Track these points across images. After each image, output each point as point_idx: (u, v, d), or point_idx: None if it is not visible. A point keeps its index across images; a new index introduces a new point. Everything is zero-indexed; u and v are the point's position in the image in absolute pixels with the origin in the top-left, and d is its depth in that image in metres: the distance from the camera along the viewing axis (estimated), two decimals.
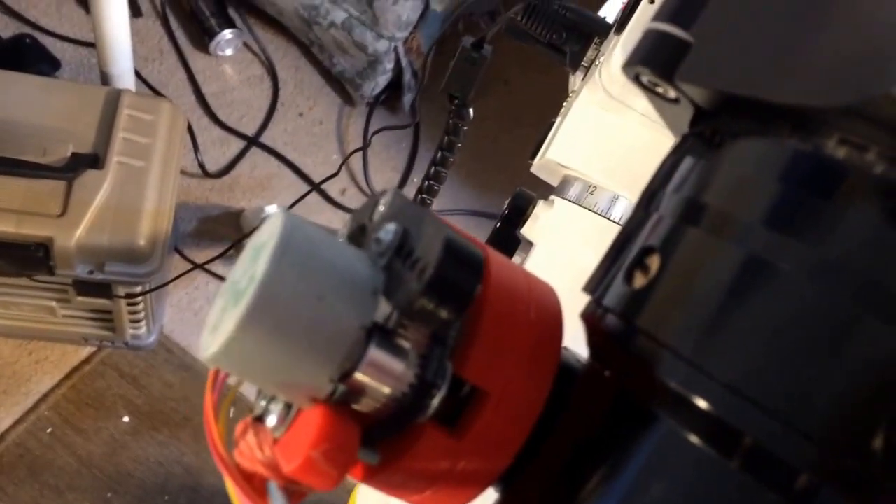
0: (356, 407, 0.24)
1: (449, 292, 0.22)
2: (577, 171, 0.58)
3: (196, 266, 1.36)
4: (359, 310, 0.23)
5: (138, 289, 1.18)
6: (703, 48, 0.23)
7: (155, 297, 1.24)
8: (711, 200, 0.22)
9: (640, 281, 0.23)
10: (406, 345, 0.23)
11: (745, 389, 0.20)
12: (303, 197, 1.44)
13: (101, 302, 1.21)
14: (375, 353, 0.23)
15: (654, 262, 0.23)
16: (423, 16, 1.46)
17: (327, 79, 1.59)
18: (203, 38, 1.54)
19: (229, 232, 1.44)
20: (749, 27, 0.22)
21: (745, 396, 0.19)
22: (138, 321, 1.26)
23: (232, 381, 0.25)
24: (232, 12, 1.57)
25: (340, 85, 1.58)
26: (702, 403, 0.20)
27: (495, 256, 0.26)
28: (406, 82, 1.52)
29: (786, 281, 0.20)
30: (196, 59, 1.56)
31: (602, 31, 0.66)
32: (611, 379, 0.24)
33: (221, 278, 1.42)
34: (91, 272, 1.13)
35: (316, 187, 1.48)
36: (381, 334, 0.23)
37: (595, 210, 0.56)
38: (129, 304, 1.21)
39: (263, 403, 0.26)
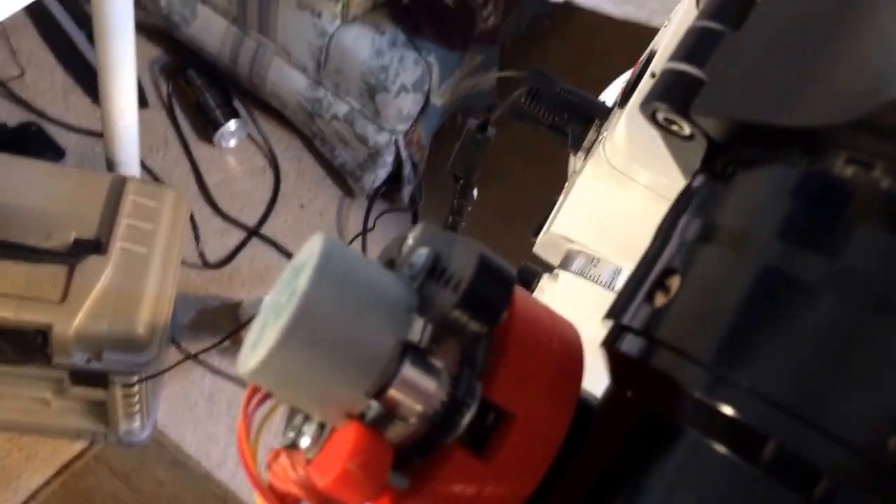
0: (387, 435, 0.24)
1: (483, 304, 0.23)
2: (580, 245, 0.59)
3: (189, 356, 1.35)
4: (395, 326, 0.23)
5: (135, 378, 1.17)
6: (717, 82, 0.24)
7: (150, 391, 1.23)
8: (728, 221, 0.23)
9: (660, 300, 0.23)
10: (438, 364, 0.24)
11: (769, 394, 0.20)
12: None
13: (96, 393, 1.19)
14: (409, 371, 0.23)
15: (674, 282, 0.23)
16: (423, 110, 1.50)
17: (328, 171, 1.62)
18: (207, 129, 1.57)
19: (227, 324, 1.43)
20: (759, 61, 0.24)
21: (770, 401, 0.20)
22: (133, 414, 1.24)
23: (264, 408, 0.26)
24: (237, 104, 1.61)
25: (341, 177, 1.61)
26: (727, 410, 0.21)
27: (519, 289, 0.27)
28: (406, 175, 1.56)
29: (805, 290, 0.20)
30: (200, 150, 1.59)
31: (602, 113, 0.69)
32: (633, 400, 0.25)
33: (218, 371, 1.42)
34: (89, 360, 1.12)
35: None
36: (415, 353, 0.23)
37: (598, 282, 0.57)
38: (124, 396, 1.19)
39: (292, 435, 0.26)
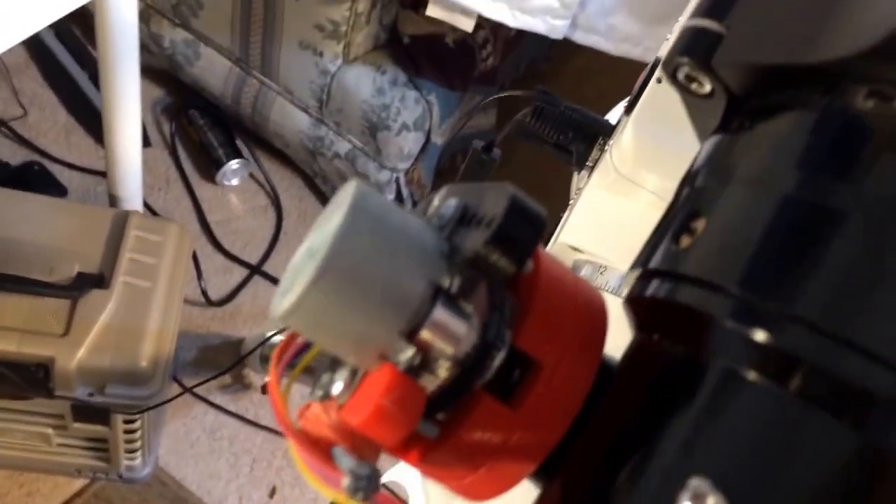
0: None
1: (514, 241, 0.23)
2: (588, 253, 0.59)
3: (187, 390, 1.34)
4: (426, 269, 0.24)
5: (137, 415, 1.16)
6: (737, 33, 0.25)
7: (151, 427, 1.22)
8: (750, 161, 0.24)
9: (686, 241, 0.24)
10: (468, 308, 0.24)
11: (801, 317, 0.20)
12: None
13: (97, 429, 1.18)
14: (441, 313, 0.24)
15: (699, 224, 0.24)
16: (424, 148, 1.52)
17: None
18: (210, 168, 1.58)
19: (229, 361, 1.43)
20: (778, 7, 0.25)
21: (803, 323, 0.20)
22: (134, 450, 1.23)
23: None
24: (239, 143, 1.62)
25: None
26: (759, 336, 0.21)
27: (543, 249, 0.27)
28: None
29: (832, 215, 0.21)
30: (202, 189, 1.60)
31: (606, 131, 0.70)
32: (658, 345, 0.25)
33: (218, 407, 1.41)
34: (91, 394, 1.11)
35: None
36: (446, 296, 0.24)
37: (606, 289, 0.57)
38: (126, 432, 1.18)
39: (320, 393, 0.26)
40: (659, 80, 0.55)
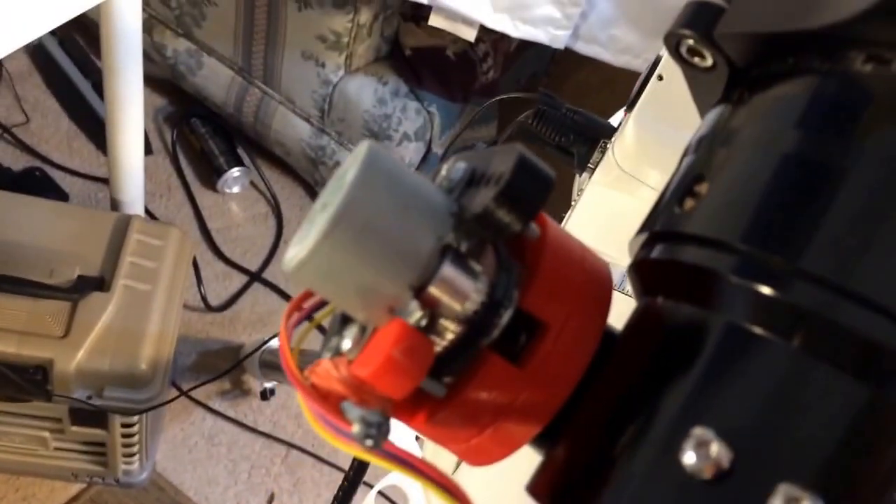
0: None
1: (521, 196, 0.24)
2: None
3: (183, 393, 1.34)
4: (436, 225, 0.24)
5: (135, 418, 1.16)
6: (738, 4, 0.26)
7: (149, 431, 1.22)
8: (754, 125, 0.24)
9: (690, 204, 0.25)
10: (477, 267, 0.25)
11: (806, 270, 0.21)
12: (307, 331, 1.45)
13: (95, 433, 1.18)
14: (449, 269, 0.24)
15: (703, 187, 0.25)
16: (424, 158, 1.53)
17: None
18: (211, 175, 1.59)
19: (229, 367, 1.43)
20: None
21: (808, 276, 0.21)
22: (132, 455, 1.23)
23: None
24: (241, 151, 1.63)
25: None
26: (765, 290, 0.22)
27: (549, 217, 0.28)
28: None
29: (833, 171, 0.22)
30: (203, 196, 1.60)
31: (607, 133, 0.71)
32: (662, 307, 0.26)
33: (217, 413, 1.41)
34: (90, 397, 1.11)
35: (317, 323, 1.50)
36: (455, 253, 0.24)
37: None
38: (123, 436, 1.18)
39: (328, 354, 0.26)
40: (660, 78, 0.56)
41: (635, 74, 1.26)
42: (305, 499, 1.38)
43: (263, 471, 1.38)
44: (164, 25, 1.56)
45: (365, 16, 1.37)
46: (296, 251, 0.24)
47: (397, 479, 0.77)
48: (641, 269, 0.27)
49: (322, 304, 0.28)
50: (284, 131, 1.55)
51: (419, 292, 0.24)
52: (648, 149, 0.54)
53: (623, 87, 1.23)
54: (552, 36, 1.28)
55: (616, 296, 0.61)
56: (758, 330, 0.22)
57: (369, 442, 0.23)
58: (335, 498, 0.78)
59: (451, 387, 0.25)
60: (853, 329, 0.20)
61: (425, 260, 0.24)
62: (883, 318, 0.20)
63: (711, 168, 0.25)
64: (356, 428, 0.23)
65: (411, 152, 1.49)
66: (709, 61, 0.28)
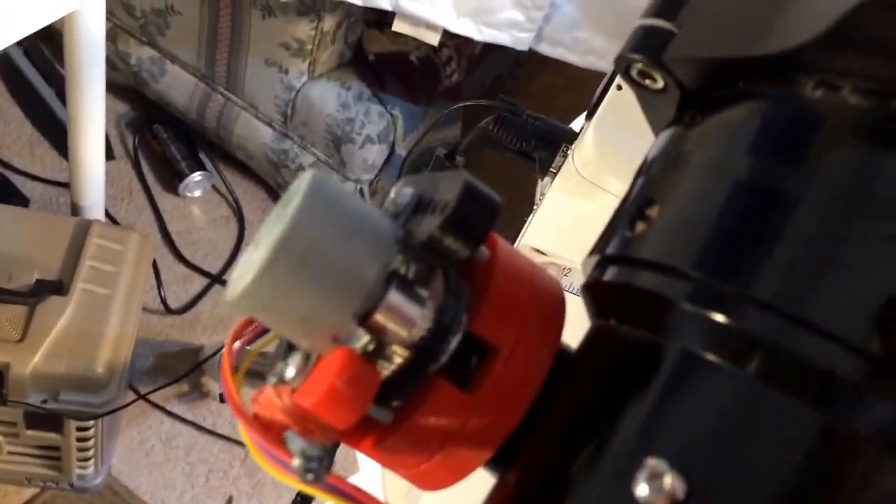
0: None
1: (468, 223, 0.23)
2: (552, 255, 0.60)
3: (141, 396, 1.33)
4: (381, 253, 0.24)
5: (91, 422, 1.14)
6: (688, 29, 0.26)
7: (105, 435, 1.20)
8: (703, 149, 0.24)
9: (641, 227, 0.24)
10: (424, 293, 0.24)
11: (758, 298, 0.21)
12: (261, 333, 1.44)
13: (50, 437, 1.16)
14: (395, 296, 0.24)
15: (654, 210, 0.24)
16: (388, 160, 1.52)
17: None
18: (173, 180, 1.58)
19: (188, 369, 1.42)
20: (727, 5, 0.25)
21: (760, 304, 0.21)
22: (87, 459, 1.21)
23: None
24: (203, 156, 1.61)
25: None
26: (717, 317, 0.21)
27: (499, 237, 0.28)
28: None
29: (783, 197, 0.21)
30: (165, 200, 1.59)
31: (569, 138, 0.71)
32: (615, 329, 0.25)
33: (175, 415, 1.39)
34: (45, 401, 1.10)
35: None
36: (401, 280, 0.24)
37: (571, 291, 0.58)
38: (79, 440, 1.17)
39: (274, 380, 0.26)
40: (619, 87, 0.56)
41: (601, 75, 1.27)
42: (265, 501, 1.36)
43: (221, 474, 1.37)
44: (129, 34, 1.55)
45: (328, 23, 1.37)
46: (238, 279, 0.23)
47: (358, 481, 0.76)
48: (594, 291, 0.27)
49: (266, 329, 0.27)
50: (247, 136, 1.54)
51: (364, 319, 0.24)
52: (608, 157, 0.54)
53: (589, 88, 1.23)
54: (516, 39, 1.28)
55: (578, 301, 0.61)
56: (711, 357, 0.22)
57: (310, 476, 0.23)
58: (294, 501, 0.77)
59: (398, 411, 0.25)
60: (806, 356, 0.20)
61: (370, 287, 0.23)
62: (835, 345, 0.20)
63: (662, 191, 0.25)
64: (297, 462, 0.23)
65: (374, 154, 1.48)
66: (659, 84, 0.27)
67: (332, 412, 0.23)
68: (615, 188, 0.56)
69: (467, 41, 1.34)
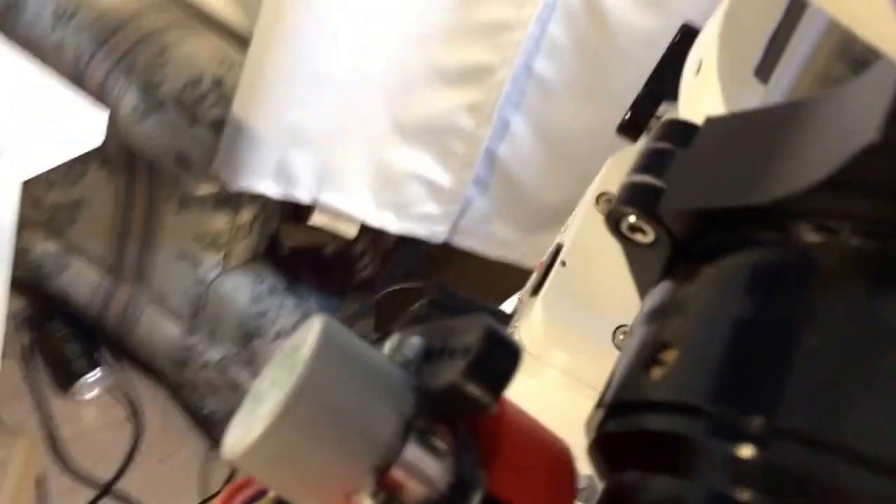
0: None
1: (492, 370, 0.22)
2: None
3: None
4: (397, 404, 0.22)
5: None
6: (680, 183, 0.26)
7: None
8: (706, 296, 0.24)
9: (657, 373, 0.24)
10: (441, 445, 0.23)
11: (787, 429, 0.20)
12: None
13: None
14: (414, 450, 0.22)
15: (669, 354, 0.24)
16: None
17: (195, 421, 1.55)
18: (67, 380, 1.49)
19: None
20: (718, 158, 0.26)
21: (790, 435, 0.20)
22: None
23: None
24: (103, 353, 1.54)
25: (208, 428, 1.54)
26: (745, 452, 0.20)
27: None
28: None
29: (796, 333, 0.21)
30: (56, 403, 1.49)
31: (504, 320, 0.71)
32: (633, 484, 0.24)
33: None
34: None
35: None
36: (419, 431, 0.22)
37: None
38: None
39: None
40: (563, 264, 0.57)
41: (512, 268, 1.30)
42: None
43: None
44: (31, 230, 1.51)
45: (245, 216, 1.37)
46: (241, 433, 0.21)
47: None
48: (605, 445, 0.25)
49: (260, 494, 0.25)
50: (151, 332, 1.48)
51: (381, 475, 0.22)
52: (556, 331, 0.54)
53: (502, 279, 1.26)
54: (432, 232, 1.31)
55: None
56: (744, 495, 0.21)
57: None
58: None
59: None
60: (843, 485, 0.20)
61: (389, 440, 0.22)
62: (873, 472, 0.20)
63: (680, 335, 0.24)
64: None
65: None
66: (650, 237, 0.28)
67: None
68: (561, 363, 0.56)
69: (381, 235, 1.36)
